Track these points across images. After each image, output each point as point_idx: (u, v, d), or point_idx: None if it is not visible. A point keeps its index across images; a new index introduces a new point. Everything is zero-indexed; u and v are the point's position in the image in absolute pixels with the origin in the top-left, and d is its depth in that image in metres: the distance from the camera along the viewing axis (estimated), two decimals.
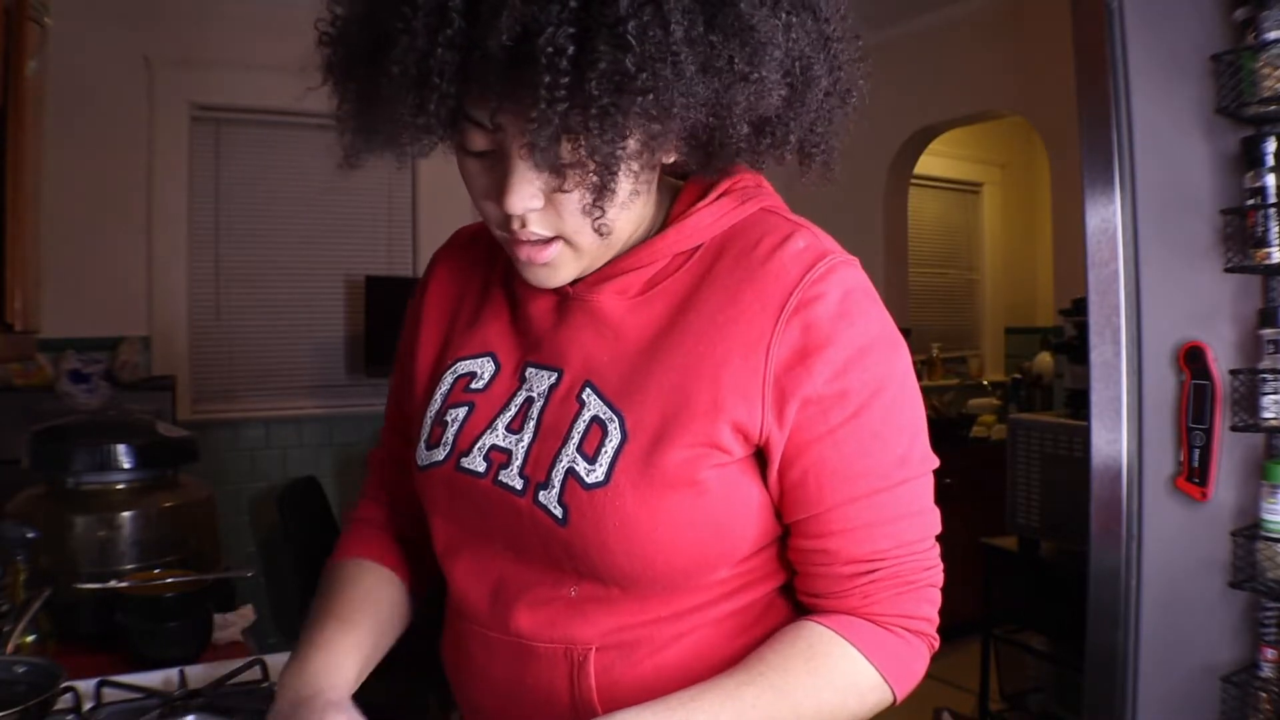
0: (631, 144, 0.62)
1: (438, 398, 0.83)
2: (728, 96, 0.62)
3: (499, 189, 0.67)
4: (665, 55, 0.57)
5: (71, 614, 1.46)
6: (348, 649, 0.80)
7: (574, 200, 0.67)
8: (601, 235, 0.69)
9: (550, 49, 0.56)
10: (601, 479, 0.72)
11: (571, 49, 0.56)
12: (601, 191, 0.63)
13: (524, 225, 0.69)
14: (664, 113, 0.59)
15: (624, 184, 0.64)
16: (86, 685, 1.13)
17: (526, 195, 0.66)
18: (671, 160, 0.73)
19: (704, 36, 0.59)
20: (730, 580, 0.77)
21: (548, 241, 0.70)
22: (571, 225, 0.69)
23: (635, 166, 0.66)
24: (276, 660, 1.30)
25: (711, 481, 0.72)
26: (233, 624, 1.54)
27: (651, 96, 0.58)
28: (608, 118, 0.58)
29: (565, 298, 0.79)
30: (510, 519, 0.77)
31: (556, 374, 0.77)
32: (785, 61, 0.65)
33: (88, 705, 1.11)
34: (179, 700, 1.12)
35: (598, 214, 0.66)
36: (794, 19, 0.65)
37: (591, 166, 0.62)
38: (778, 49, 0.63)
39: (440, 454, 0.80)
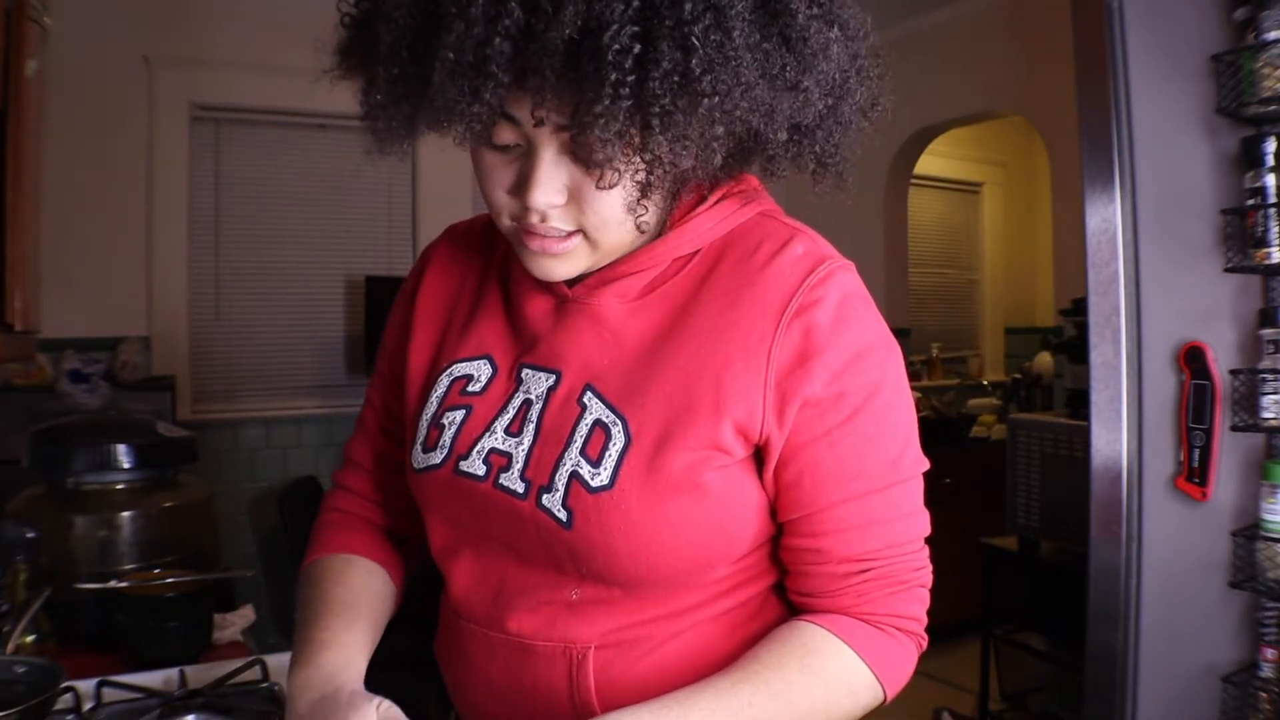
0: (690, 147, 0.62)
1: (433, 400, 0.82)
2: (776, 106, 0.63)
3: (521, 183, 0.67)
4: (727, 60, 0.58)
5: (71, 614, 1.46)
6: (355, 645, 0.79)
7: (603, 197, 0.67)
8: (642, 233, 0.69)
9: (616, 46, 0.56)
10: (606, 482, 0.72)
11: (637, 48, 0.57)
12: (647, 190, 0.64)
13: (544, 220, 0.69)
14: (727, 116, 0.60)
15: (668, 183, 0.65)
16: (86, 685, 1.13)
17: (551, 191, 0.67)
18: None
19: (760, 44, 0.60)
20: (727, 578, 0.78)
21: (566, 235, 0.70)
22: (594, 221, 0.69)
23: (682, 168, 0.66)
24: (276, 660, 1.30)
25: (714, 483, 0.73)
26: (233, 624, 1.54)
27: (717, 99, 0.58)
28: (668, 117, 0.59)
29: (564, 300, 0.78)
30: (511, 522, 0.77)
31: (554, 376, 0.77)
32: (830, 73, 0.66)
33: (88, 705, 1.11)
34: (179, 700, 1.12)
35: (641, 212, 0.67)
36: (839, 33, 0.67)
37: (640, 164, 0.62)
38: (828, 61, 0.65)
39: (438, 457, 0.80)
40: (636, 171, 0.64)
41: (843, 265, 0.76)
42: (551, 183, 0.66)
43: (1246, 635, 1.77)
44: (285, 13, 3.05)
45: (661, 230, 0.78)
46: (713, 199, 0.78)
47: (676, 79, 0.57)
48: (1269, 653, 1.72)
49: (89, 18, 3.17)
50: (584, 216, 0.69)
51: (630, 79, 0.57)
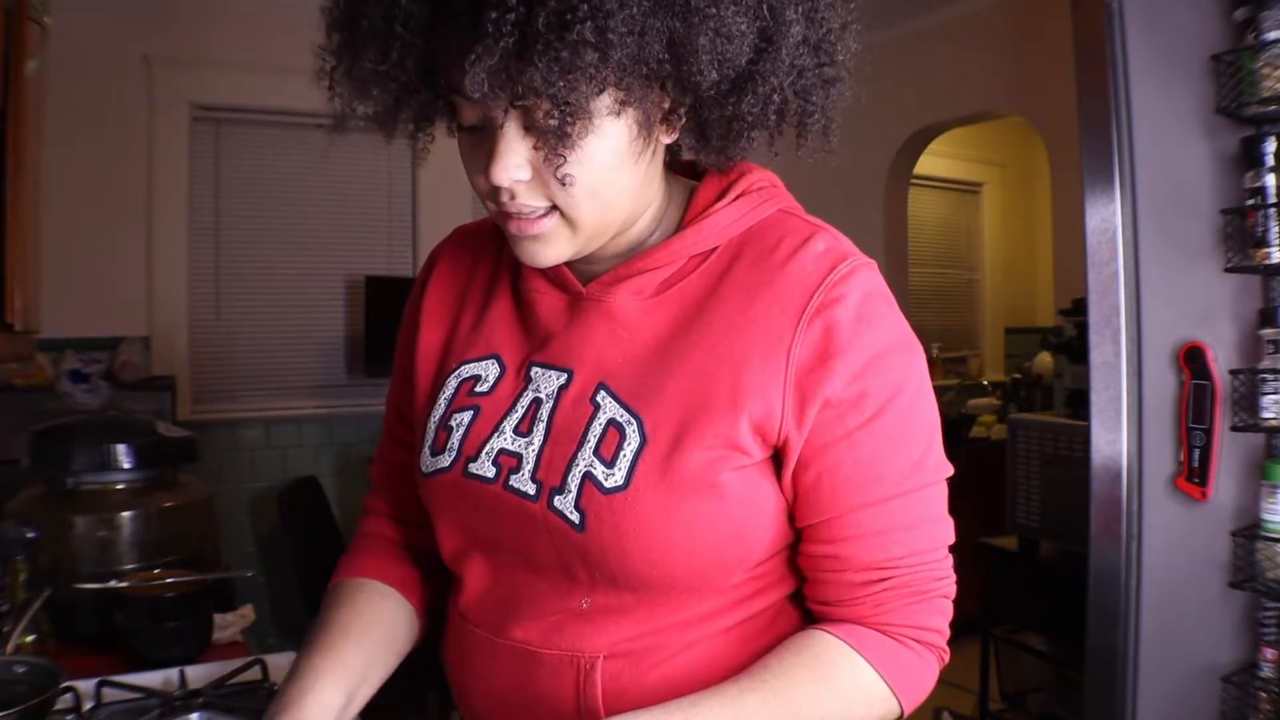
0: (601, 96, 0.62)
1: (441, 402, 0.81)
2: (691, 39, 0.62)
3: (488, 161, 0.67)
4: None
5: (71, 614, 1.46)
6: (330, 676, 0.77)
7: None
8: (565, 185, 0.66)
9: None
10: (621, 483, 0.70)
11: None
12: (561, 136, 0.63)
13: (513, 197, 0.68)
14: (604, 41, 0.58)
15: (579, 127, 0.63)
16: (86, 685, 1.13)
17: (512, 166, 0.66)
18: (670, 140, 0.72)
19: None
20: (742, 586, 0.76)
21: (541, 214, 0.69)
22: (563, 195, 0.68)
23: (616, 120, 0.65)
24: (276, 660, 1.30)
25: (730, 484, 0.71)
26: (233, 624, 1.54)
27: (590, 24, 0.58)
28: (550, 52, 0.58)
29: (578, 297, 0.77)
30: (522, 525, 0.75)
31: (566, 374, 0.76)
32: (750, 2, 0.64)
33: (88, 705, 1.11)
34: (179, 700, 1.11)
35: (560, 161, 0.65)
36: None
37: (554, 113, 0.62)
38: None
39: (446, 460, 0.78)
40: (551, 122, 0.62)
41: (865, 263, 0.74)
42: (512, 156, 0.65)
43: (1246, 635, 1.77)
44: (285, 13, 3.04)
45: (677, 226, 0.78)
46: (731, 195, 0.76)
47: (565, 16, 0.57)
48: (1269, 653, 1.72)
49: (89, 18, 3.17)
50: (552, 190, 0.67)
51: (511, 16, 0.57)
